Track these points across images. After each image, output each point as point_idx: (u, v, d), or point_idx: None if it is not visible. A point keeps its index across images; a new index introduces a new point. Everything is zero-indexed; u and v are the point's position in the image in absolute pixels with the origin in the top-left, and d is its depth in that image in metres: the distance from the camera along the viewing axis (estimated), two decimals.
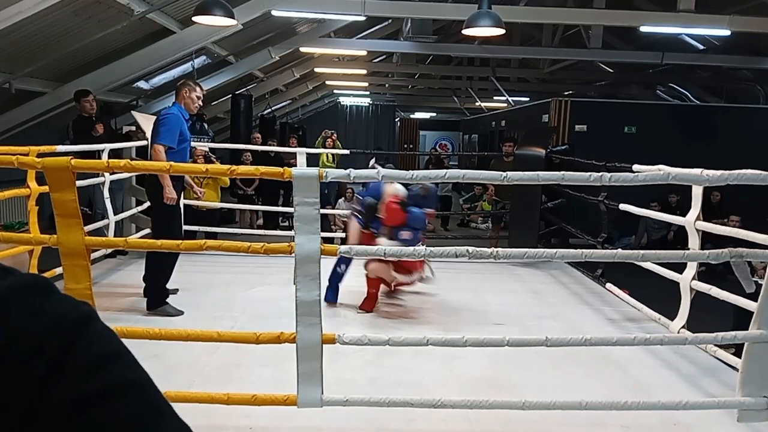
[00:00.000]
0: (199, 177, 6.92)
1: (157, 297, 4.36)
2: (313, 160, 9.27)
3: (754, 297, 2.83)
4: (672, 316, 4.09)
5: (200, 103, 4.73)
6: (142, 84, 10.01)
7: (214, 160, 7.37)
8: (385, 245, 3.91)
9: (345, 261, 4.67)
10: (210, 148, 7.57)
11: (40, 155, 4.02)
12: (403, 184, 4.54)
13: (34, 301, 0.41)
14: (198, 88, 4.66)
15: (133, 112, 7.30)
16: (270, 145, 9.86)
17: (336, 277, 4.68)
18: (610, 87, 17.00)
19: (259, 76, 13.47)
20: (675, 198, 9.54)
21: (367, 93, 22.18)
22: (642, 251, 2.87)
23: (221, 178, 7.37)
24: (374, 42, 12.50)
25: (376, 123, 24.25)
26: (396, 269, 4.47)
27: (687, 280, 3.91)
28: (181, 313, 4.31)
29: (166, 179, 4.35)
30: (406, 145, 22.38)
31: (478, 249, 2.72)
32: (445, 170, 2.89)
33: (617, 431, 2.92)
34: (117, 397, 0.40)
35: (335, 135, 10.50)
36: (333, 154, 10.09)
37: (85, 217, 2.71)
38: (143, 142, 6.01)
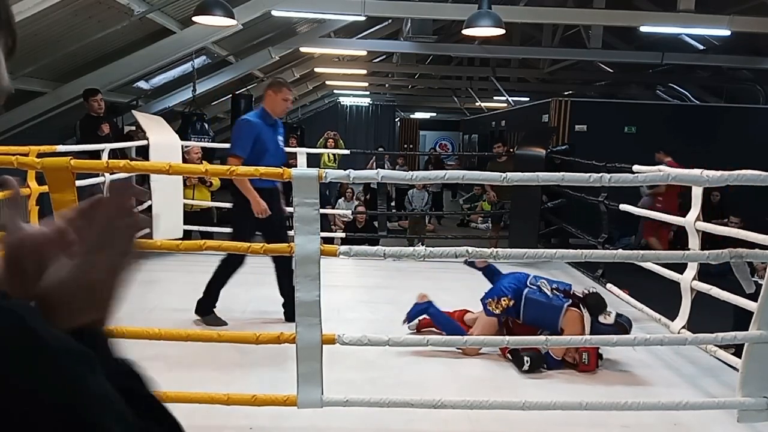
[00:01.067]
0: (192, 177, 6.91)
1: (208, 304, 4.17)
2: (314, 161, 9.28)
3: (754, 297, 2.83)
4: (672, 316, 4.09)
5: (289, 106, 4.20)
6: (142, 84, 10.00)
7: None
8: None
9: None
10: (210, 149, 7.57)
11: (40, 155, 4.02)
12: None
13: None
14: (285, 89, 4.08)
15: (134, 111, 7.29)
16: None
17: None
18: (610, 87, 17.00)
19: (259, 76, 13.46)
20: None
21: (367, 93, 22.17)
22: (642, 251, 2.88)
23: (213, 182, 7.27)
24: (374, 42, 12.50)
25: (376, 123, 24.24)
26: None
27: (687, 281, 3.91)
28: (225, 323, 4.10)
29: (248, 190, 3.86)
30: (406, 145, 22.39)
31: (478, 249, 2.73)
32: (444, 171, 2.90)
33: (617, 431, 2.92)
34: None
35: (337, 135, 10.52)
36: (334, 155, 10.11)
37: None
38: (143, 142, 6.02)
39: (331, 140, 10.42)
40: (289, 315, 4.02)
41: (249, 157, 3.86)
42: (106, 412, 0.47)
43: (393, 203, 12.46)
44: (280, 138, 4.18)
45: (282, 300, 4.19)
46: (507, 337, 3.20)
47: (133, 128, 8.39)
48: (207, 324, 4.05)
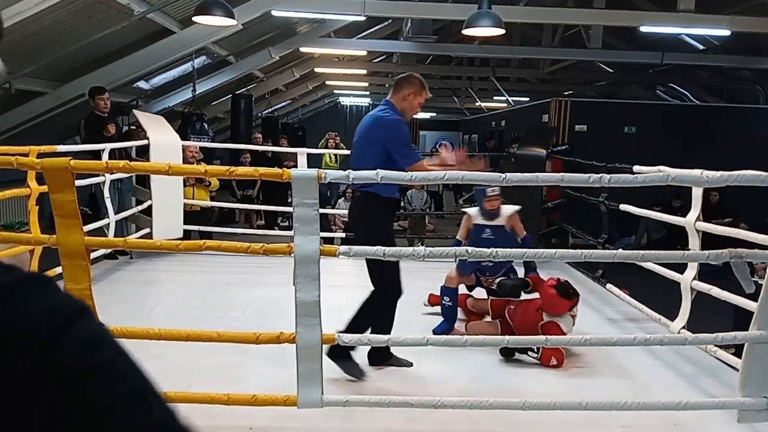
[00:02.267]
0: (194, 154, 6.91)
1: (381, 352, 3.48)
2: (315, 161, 9.28)
3: (754, 297, 2.83)
4: (672, 316, 4.09)
5: (419, 110, 3.59)
6: (142, 84, 10.00)
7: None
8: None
9: (448, 293, 4.19)
10: (209, 149, 7.57)
11: (40, 155, 4.02)
12: None
13: (31, 294, 0.44)
14: (425, 92, 3.46)
15: (134, 110, 7.29)
16: (267, 145, 9.87)
17: (447, 311, 4.22)
18: (610, 87, 17.00)
19: (259, 76, 13.47)
20: (678, 203, 9.49)
21: (367, 93, 22.18)
22: (642, 251, 2.88)
23: (212, 182, 7.29)
24: (374, 42, 12.50)
25: None
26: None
27: (687, 281, 3.91)
28: (410, 364, 3.51)
29: (432, 167, 3.30)
30: None
31: (477, 249, 2.73)
32: (444, 171, 2.90)
33: (617, 431, 2.92)
34: (106, 373, 0.42)
35: (339, 137, 10.53)
36: (336, 155, 10.11)
37: (85, 218, 2.71)
38: (143, 142, 6.02)
39: (332, 140, 10.44)
40: (374, 359, 3.48)
41: (390, 162, 3.20)
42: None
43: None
44: None
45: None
46: (507, 337, 3.20)
47: (133, 127, 8.39)
48: (347, 372, 3.33)
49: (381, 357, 3.47)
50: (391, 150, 3.26)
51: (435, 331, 4.06)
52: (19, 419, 0.39)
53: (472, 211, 4.51)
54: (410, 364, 3.49)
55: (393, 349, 3.53)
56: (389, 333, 3.29)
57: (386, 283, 3.36)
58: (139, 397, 0.43)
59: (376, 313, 3.37)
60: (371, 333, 3.26)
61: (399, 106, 3.42)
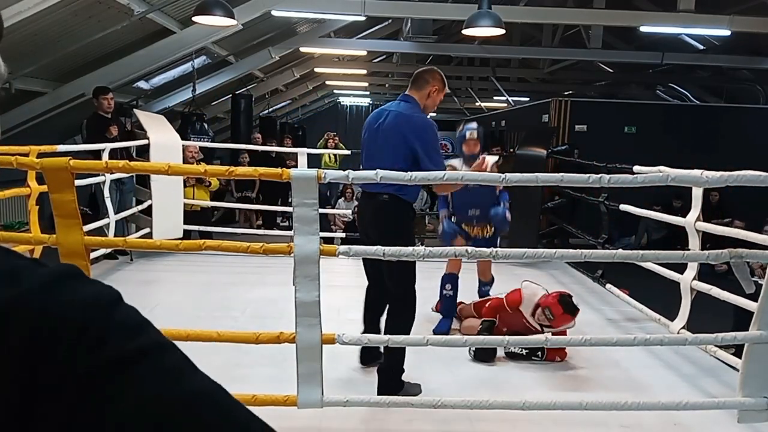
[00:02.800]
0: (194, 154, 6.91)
1: (397, 377, 3.19)
2: (314, 161, 9.28)
3: (754, 297, 2.83)
4: (672, 316, 4.09)
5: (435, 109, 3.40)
6: (142, 84, 10.00)
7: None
8: None
9: (449, 280, 4.22)
10: (209, 149, 7.57)
11: (40, 155, 4.02)
12: None
13: (69, 288, 0.46)
14: (446, 89, 3.33)
15: (135, 110, 7.29)
16: (271, 145, 9.87)
17: (447, 303, 4.23)
18: (610, 87, 16.99)
19: (259, 76, 13.46)
20: (679, 203, 9.48)
21: (367, 93, 22.17)
22: (642, 251, 2.88)
23: (213, 183, 7.31)
24: (374, 42, 12.50)
25: None
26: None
27: (687, 281, 3.91)
28: (420, 390, 3.22)
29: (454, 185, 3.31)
30: None
31: (477, 249, 2.73)
32: (443, 171, 2.89)
33: (617, 431, 2.92)
34: (154, 354, 0.46)
35: (337, 138, 10.53)
36: (335, 155, 10.11)
37: (85, 218, 2.71)
38: (144, 141, 6.01)
39: (332, 140, 10.43)
40: (384, 388, 3.12)
41: (413, 167, 2.99)
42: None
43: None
44: None
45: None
46: (507, 337, 3.20)
47: (138, 129, 8.38)
48: (408, 394, 3.12)
49: (393, 386, 3.13)
50: (421, 153, 3.07)
51: (435, 331, 4.06)
52: (78, 407, 0.42)
53: (456, 162, 4.30)
54: (420, 391, 3.20)
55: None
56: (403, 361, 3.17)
57: (408, 287, 3.17)
58: (186, 370, 0.47)
59: (402, 324, 3.14)
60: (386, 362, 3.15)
61: (422, 103, 3.23)
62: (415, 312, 3.23)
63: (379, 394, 3.03)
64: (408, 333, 3.11)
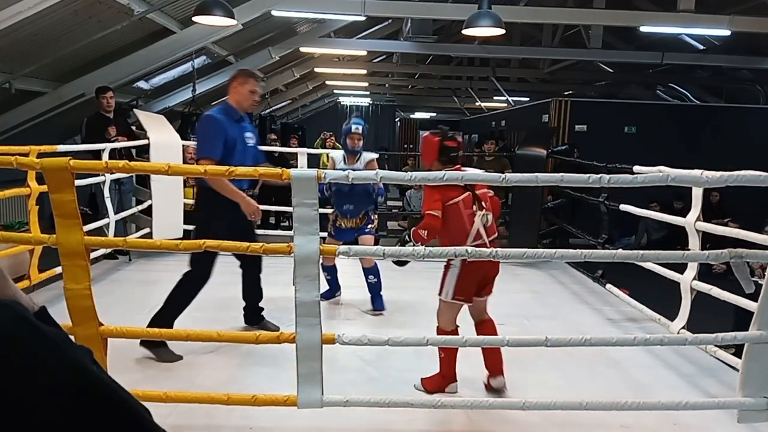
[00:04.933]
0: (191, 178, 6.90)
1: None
2: (313, 161, 9.27)
3: (754, 297, 2.83)
4: (672, 316, 4.09)
5: (256, 98, 3.77)
6: (142, 84, 10.00)
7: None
8: None
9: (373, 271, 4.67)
10: None
11: (40, 155, 4.02)
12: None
13: None
14: (252, 80, 3.71)
15: (135, 110, 7.29)
16: (275, 144, 9.85)
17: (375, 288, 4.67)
18: (610, 87, 17.00)
19: (259, 76, 13.46)
20: (680, 204, 9.47)
21: (367, 93, 22.18)
22: (642, 251, 2.87)
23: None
24: (374, 42, 12.49)
25: (376, 123, 24.24)
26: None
27: (687, 281, 3.91)
28: (180, 357, 3.57)
29: (234, 192, 3.53)
30: (406, 145, 22.38)
31: (477, 249, 2.72)
32: (443, 171, 2.89)
33: (617, 431, 2.92)
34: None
35: (333, 138, 10.51)
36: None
37: (85, 218, 2.71)
38: (144, 141, 6.01)
39: (329, 140, 10.41)
40: (249, 319, 4.07)
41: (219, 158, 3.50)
42: (114, 387, 0.55)
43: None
44: (249, 135, 3.80)
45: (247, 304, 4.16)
46: (507, 338, 3.20)
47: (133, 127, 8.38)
48: (160, 360, 3.51)
49: (153, 341, 3.51)
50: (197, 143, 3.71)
51: (376, 307, 4.59)
52: None
53: (337, 155, 4.75)
54: (180, 357, 3.54)
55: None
56: (177, 316, 3.55)
57: (196, 265, 3.61)
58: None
59: (177, 299, 3.60)
60: (162, 310, 3.53)
61: (233, 102, 3.70)
62: (196, 290, 3.67)
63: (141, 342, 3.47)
64: (178, 304, 3.57)
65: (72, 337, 2.30)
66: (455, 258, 3.06)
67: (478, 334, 3.28)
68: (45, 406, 0.48)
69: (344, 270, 5.21)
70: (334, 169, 4.53)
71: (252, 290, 4.16)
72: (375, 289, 4.65)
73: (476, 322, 3.36)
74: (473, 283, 3.16)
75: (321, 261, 4.25)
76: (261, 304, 4.17)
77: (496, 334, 3.25)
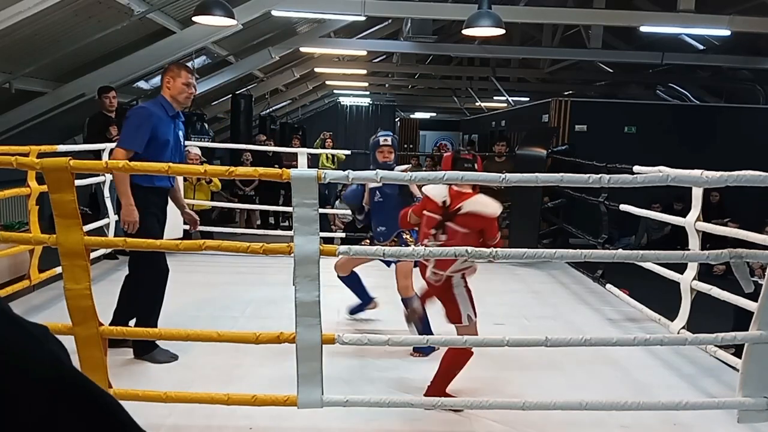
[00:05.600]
0: (192, 177, 6.91)
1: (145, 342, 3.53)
2: (312, 161, 9.28)
3: (754, 297, 2.83)
4: (672, 316, 4.09)
5: (192, 91, 3.58)
6: (142, 84, 10.00)
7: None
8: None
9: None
10: (209, 149, 7.56)
11: (40, 155, 4.02)
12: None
13: None
14: (185, 72, 3.54)
15: None
16: (267, 144, 9.85)
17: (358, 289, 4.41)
18: (610, 87, 16.99)
19: (259, 76, 13.46)
20: (680, 206, 9.45)
21: (367, 93, 22.18)
22: (642, 251, 2.87)
23: (214, 181, 7.35)
24: (374, 42, 12.50)
25: (376, 123, 24.21)
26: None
27: (687, 281, 3.91)
28: (176, 357, 3.56)
29: (125, 193, 3.29)
30: (406, 145, 22.38)
31: (477, 249, 2.72)
32: (443, 171, 2.89)
33: (617, 431, 2.92)
34: None
35: (331, 139, 10.52)
36: (333, 155, 10.10)
37: (85, 218, 2.71)
38: None
39: (329, 140, 10.42)
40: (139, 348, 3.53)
41: (145, 154, 3.34)
42: (87, 380, 0.54)
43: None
44: (181, 133, 3.64)
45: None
46: (507, 337, 3.20)
47: None
48: (157, 362, 3.48)
49: (143, 347, 3.50)
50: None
51: (352, 311, 4.40)
52: None
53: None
54: (176, 357, 3.53)
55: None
56: (156, 318, 3.53)
57: (143, 264, 3.46)
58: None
59: (136, 299, 3.49)
60: (137, 324, 3.44)
61: (168, 97, 3.54)
62: (157, 287, 3.54)
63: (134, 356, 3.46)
64: (146, 310, 3.46)
65: (72, 338, 2.28)
66: (455, 279, 3.07)
67: None
68: (24, 401, 0.48)
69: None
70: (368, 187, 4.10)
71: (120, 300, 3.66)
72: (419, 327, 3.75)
73: None
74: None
75: (338, 274, 4.15)
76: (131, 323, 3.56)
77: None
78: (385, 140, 3.95)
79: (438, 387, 3.06)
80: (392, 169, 3.88)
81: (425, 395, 3.04)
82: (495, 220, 3.10)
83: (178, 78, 3.49)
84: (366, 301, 4.42)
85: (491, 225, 3.05)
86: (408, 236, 4.00)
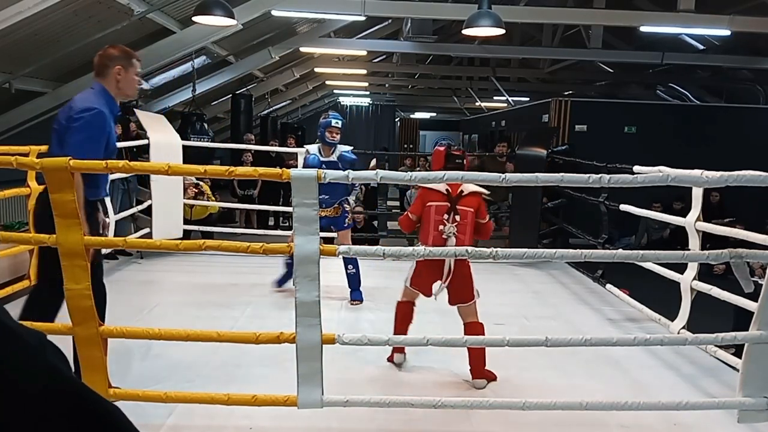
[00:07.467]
0: (191, 188, 6.93)
1: None
2: None
3: (754, 297, 2.83)
4: (672, 316, 4.09)
5: (141, 82, 3.14)
6: (142, 84, 10.00)
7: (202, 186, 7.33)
8: None
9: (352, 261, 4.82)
10: (209, 149, 7.55)
11: (40, 155, 4.02)
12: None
13: None
14: (135, 60, 3.07)
15: (135, 110, 7.29)
16: (272, 144, 9.86)
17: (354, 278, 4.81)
18: (610, 87, 17.00)
19: (259, 76, 13.47)
20: (679, 206, 9.46)
21: (367, 93, 22.18)
22: (642, 251, 2.87)
23: (210, 206, 7.32)
24: (374, 42, 12.50)
25: (376, 123, 24.26)
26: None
27: (687, 281, 3.91)
28: None
29: (80, 202, 2.55)
30: (406, 145, 22.39)
31: (477, 249, 2.72)
32: (443, 171, 2.89)
33: (617, 431, 2.92)
34: None
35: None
36: None
37: None
38: (144, 141, 6.01)
39: None
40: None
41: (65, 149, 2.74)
42: (84, 388, 0.54)
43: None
44: (115, 129, 3.10)
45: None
46: (507, 337, 3.20)
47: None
48: None
49: None
50: (67, 138, 2.81)
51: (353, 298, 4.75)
52: None
53: (312, 146, 4.92)
54: None
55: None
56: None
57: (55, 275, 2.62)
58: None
59: (43, 308, 2.83)
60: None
61: (113, 91, 3.01)
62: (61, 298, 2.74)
63: None
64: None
65: (71, 337, 2.26)
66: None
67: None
68: (18, 414, 0.48)
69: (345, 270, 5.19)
70: (308, 155, 4.78)
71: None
72: (354, 280, 4.78)
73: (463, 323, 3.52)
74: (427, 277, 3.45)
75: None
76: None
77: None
78: (336, 123, 4.71)
79: (479, 369, 3.34)
80: (334, 147, 4.73)
81: (474, 378, 3.34)
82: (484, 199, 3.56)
83: (130, 68, 3.00)
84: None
85: (482, 204, 3.51)
86: (348, 205, 4.81)
